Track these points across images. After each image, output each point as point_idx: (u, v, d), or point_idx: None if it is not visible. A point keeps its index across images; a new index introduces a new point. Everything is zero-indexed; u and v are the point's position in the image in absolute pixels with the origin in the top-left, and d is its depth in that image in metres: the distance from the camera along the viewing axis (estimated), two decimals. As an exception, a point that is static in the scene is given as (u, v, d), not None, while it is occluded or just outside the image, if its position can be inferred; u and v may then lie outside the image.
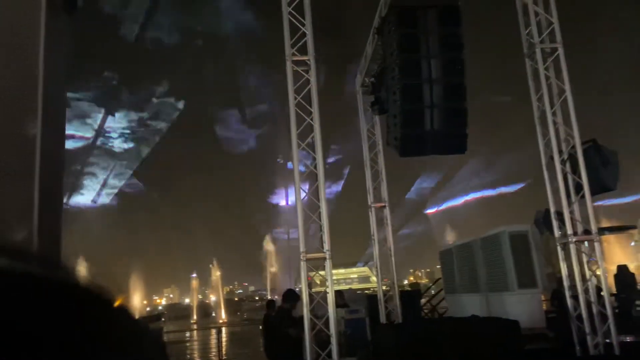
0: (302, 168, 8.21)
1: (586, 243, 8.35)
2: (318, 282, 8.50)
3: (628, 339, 9.16)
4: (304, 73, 8.27)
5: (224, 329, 13.56)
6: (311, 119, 8.18)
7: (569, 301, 8.15)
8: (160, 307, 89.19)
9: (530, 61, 9.07)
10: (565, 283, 8.24)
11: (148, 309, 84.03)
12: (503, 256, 9.59)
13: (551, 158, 8.70)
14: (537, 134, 8.95)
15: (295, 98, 8.21)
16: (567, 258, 8.27)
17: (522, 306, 9.18)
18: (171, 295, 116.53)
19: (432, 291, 19.18)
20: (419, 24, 8.86)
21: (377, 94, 10.96)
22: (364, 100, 12.13)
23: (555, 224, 8.45)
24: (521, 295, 9.25)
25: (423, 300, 17.80)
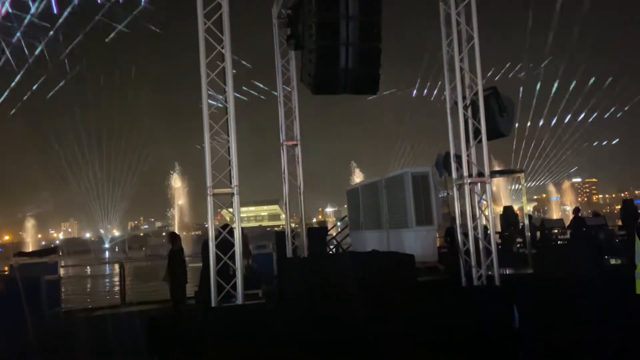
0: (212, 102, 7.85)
1: (479, 185, 9.01)
2: (228, 218, 8.41)
3: (508, 271, 10.26)
4: (215, -4, 7.73)
5: (126, 265, 13.14)
6: (222, 48, 7.74)
7: (460, 237, 8.86)
8: (57, 242, 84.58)
9: (444, 5, 9.19)
10: (458, 221, 8.91)
11: (43, 242, 79.32)
12: (405, 195, 10.09)
13: (455, 103, 9.09)
14: (445, 79, 9.26)
15: (205, 23, 7.69)
16: (461, 198, 8.90)
17: (419, 242, 9.85)
18: (69, 230, 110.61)
19: (338, 228, 19.94)
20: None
21: (293, 28, 10.58)
22: (280, 33, 11.69)
23: (453, 166, 8.97)
24: (418, 232, 9.88)
25: (329, 237, 18.48)
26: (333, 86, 9.18)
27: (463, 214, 8.89)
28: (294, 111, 11.83)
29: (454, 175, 8.98)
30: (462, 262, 8.71)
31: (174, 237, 10.35)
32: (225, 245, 7.67)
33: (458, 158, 8.91)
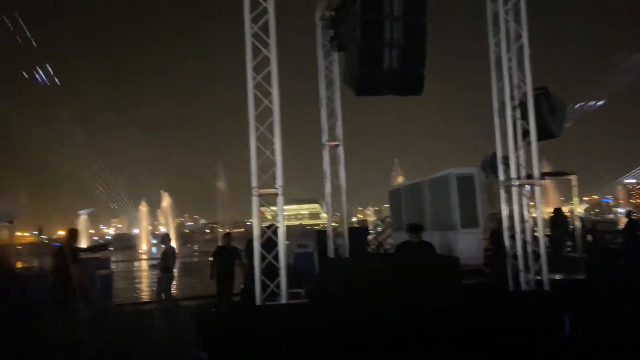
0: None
1: (527, 187, 8.77)
2: (269, 217, 8.57)
3: (557, 276, 9.94)
4: (261, 1, 7.86)
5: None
6: (268, 51, 7.87)
7: (507, 240, 8.65)
8: (107, 237, 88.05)
9: (491, 3, 9.00)
10: (505, 223, 8.71)
11: (95, 238, 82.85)
12: (449, 197, 9.96)
13: (502, 103, 8.89)
14: (492, 79, 9.06)
15: (252, 27, 7.84)
16: (509, 200, 8.69)
17: (464, 244, 9.69)
18: (119, 226, 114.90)
19: (379, 228, 19.86)
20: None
21: (336, 29, 10.61)
22: (323, 34, 11.75)
23: (500, 167, 8.77)
24: (463, 234, 9.73)
25: (371, 237, 18.45)
26: (376, 87, 9.14)
27: (510, 216, 8.69)
28: (337, 112, 11.86)
29: (502, 176, 8.79)
30: (510, 266, 8.51)
31: (227, 236, 10.80)
32: (269, 244, 7.81)
33: (506, 159, 8.71)
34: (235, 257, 10.68)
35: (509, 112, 8.73)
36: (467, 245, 9.67)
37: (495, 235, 10.49)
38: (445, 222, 10.20)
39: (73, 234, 9.29)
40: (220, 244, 11.19)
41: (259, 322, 6.12)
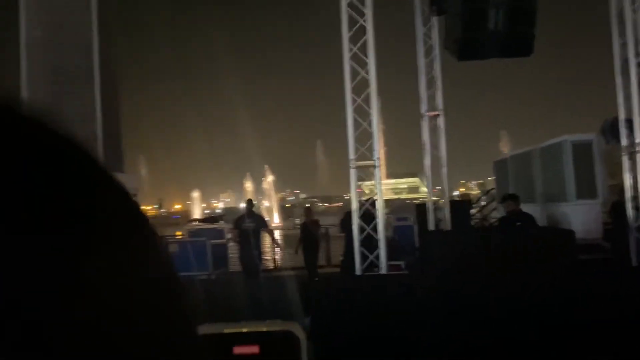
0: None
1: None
2: (367, 191, 8.59)
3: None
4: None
5: (277, 232, 14.24)
6: (364, 21, 7.75)
7: (630, 212, 7.84)
8: (218, 210, 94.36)
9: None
10: (628, 194, 7.88)
11: (207, 211, 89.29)
12: (563, 166, 9.19)
13: (625, 61, 7.97)
14: (612, 33, 8.13)
15: (348, -3, 7.75)
16: (633, 168, 7.85)
17: (579, 217, 8.94)
18: (228, 200, 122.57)
19: (483, 202, 19.03)
20: None
21: (436, -7, 10.13)
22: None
23: (623, 132, 7.92)
24: (579, 206, 8.96)
25: (474, 211, 17.77)
26: (480, 50, 8.64)
27: (634, 186, 7.84)
28: (436, 81, 11.44)
29: (624, 142, 7.93)
30: (633, 240, 7.72)
31: (307, 210, 11.18)
32: (367, 217, 7.83)
33: (629, 123, 7.84)
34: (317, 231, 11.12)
35: (633, 70, 7.80)
36: (584, 217, 8.89)
37: (616, 207, 9.57)
38: (558, 194, 9.47)
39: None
40: (304, 219, 11.58)
41: (359, 291, 6.21)
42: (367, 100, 7.82)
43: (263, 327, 2.98)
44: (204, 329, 2.73)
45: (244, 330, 2.89)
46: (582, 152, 8.99)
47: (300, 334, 2.82)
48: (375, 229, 7.67)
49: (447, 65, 10.25)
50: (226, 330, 2.81)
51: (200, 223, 12.63)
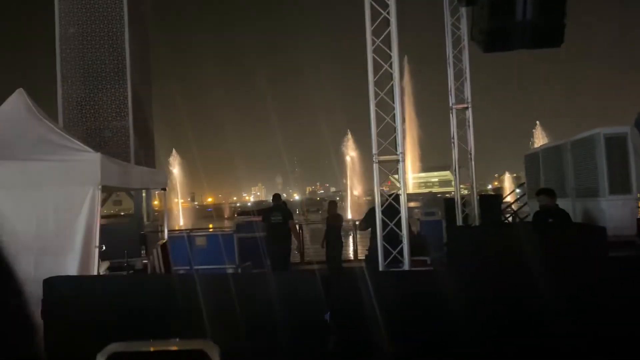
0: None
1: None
2: (398, 185, 8.51)
3: None
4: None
5: (304, 225, 14.33)
6: (387, 13, 7.63)
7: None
8: (249, 204, 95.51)
9: None
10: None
11: (238, 204, 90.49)
12: (596, 160, 8.85)
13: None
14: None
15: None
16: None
17: (612, 212, 8.60)
18: (258, 193, 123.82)
19: (517, 195, 18.55)
20: None
21: (464, -18, 9.89)
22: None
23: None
24: (612, 202, 8.62)
25: (512, 203, 17.39)
26: (508, 41, 8.38)
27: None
28: (465, 72, 11.22)
29: (662, 135, 7.57)
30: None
31: (331, 205, 11.25)
32: (391, 211, 7.74)
33: (667, 115, 7.47)
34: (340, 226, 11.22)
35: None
36: (617, 213, 8.54)
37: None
38: (590, 189, 9.13)
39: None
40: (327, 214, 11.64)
41: (380, 285, 6.18)
42: (391, 94, 7.72)
43: (173, 346, 2.82)
44: (112, 348, 2.61)
45: (151, 349, 2.67)
46: (616, 145, 8.61)
47: (214, 353, 2.58)
48: (398, 224, 7.58)
49: (478, 55, 9.88)
50: (131, 349, 2.62)
51: (247, 217, 12.82)
